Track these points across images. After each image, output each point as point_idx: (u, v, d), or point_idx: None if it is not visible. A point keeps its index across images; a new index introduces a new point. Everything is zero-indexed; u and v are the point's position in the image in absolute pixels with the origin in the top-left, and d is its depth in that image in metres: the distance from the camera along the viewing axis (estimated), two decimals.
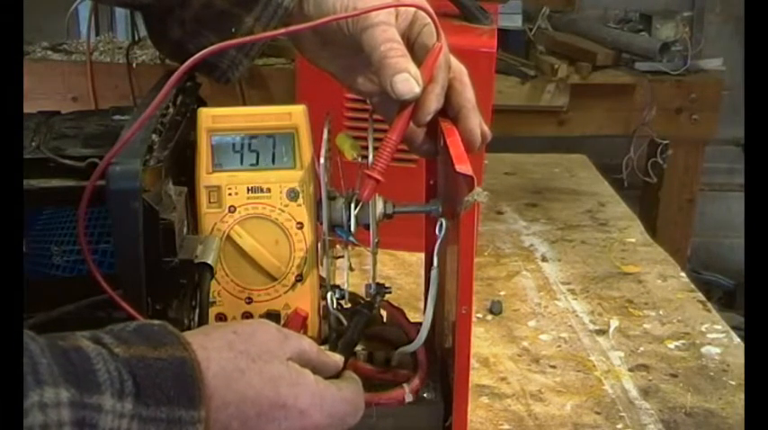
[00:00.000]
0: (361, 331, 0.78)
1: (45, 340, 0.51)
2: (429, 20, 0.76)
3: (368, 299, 0.80)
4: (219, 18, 0.77)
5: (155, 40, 0.82)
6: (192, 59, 0.69)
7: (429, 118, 0.73)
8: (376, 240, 0.75)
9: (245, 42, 0.77)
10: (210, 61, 0.77)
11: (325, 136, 0.76)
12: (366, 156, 0.75)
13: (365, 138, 0.77)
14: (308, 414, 0.61)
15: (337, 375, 0.68)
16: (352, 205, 0.74)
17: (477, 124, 0.76)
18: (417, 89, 0.71)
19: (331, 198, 0.75)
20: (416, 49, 0.75)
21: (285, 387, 0.60)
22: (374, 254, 0.76)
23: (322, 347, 0.69)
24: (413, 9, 0.76)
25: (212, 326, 0.65)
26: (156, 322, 0.59)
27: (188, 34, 0.79)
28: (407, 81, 0.71)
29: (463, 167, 0.64)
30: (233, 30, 0.77)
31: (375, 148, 0.74)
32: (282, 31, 0.77)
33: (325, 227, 0.75)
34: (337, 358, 0.68)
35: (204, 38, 0.78)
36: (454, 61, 0.77)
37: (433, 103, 0.73)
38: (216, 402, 0.57)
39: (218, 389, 0.57)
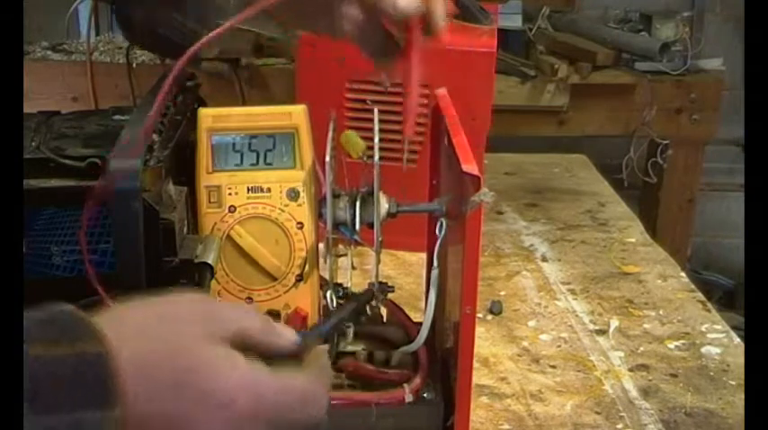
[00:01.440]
0: (352, 315, 0.75)
1: None
2: None
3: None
4: None
5: (122, 25, 0.79)
6: (191, 50, 0.66)
7: (443, 21, 0.69)
8: (380, 239, 0.75)
9: (230, 26, 0.71)
10: (172, 39, 0.74)
11: (330, 134, 0.76)
12: (371, 156, 0.75)
13: (367, 138, 0.77)
14: (233, 405, 0.53)
15: (298, 358, 0.58)
16: (357, 203, 0.73)
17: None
18: (418, 2, 0.67)
19: (335, 196, 0.75)
20: None
21: (203, 375, 0.53)
22: (378, 253, 0.76)
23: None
24: None
25: (128, 308, 0.55)
26: (68, 308, 0.51)
27: (150, 13, 0.75)
28: None
29: (470, 167, 0.64)
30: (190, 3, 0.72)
31: (381, 148, 0.73)
32: (252, 10, 0.72)
33: (329, 225, 0.74)
34: (289, 337, 0.58)
35: (167, 15, 0.74)
36: None
37: (441, 5, 0.69)
38: (130, 397, 0.50)
39: (133, 383, 0.51)
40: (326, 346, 0.62)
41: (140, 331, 0.52)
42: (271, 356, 0.56)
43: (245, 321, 0.56)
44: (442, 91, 0.81)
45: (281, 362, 0.56)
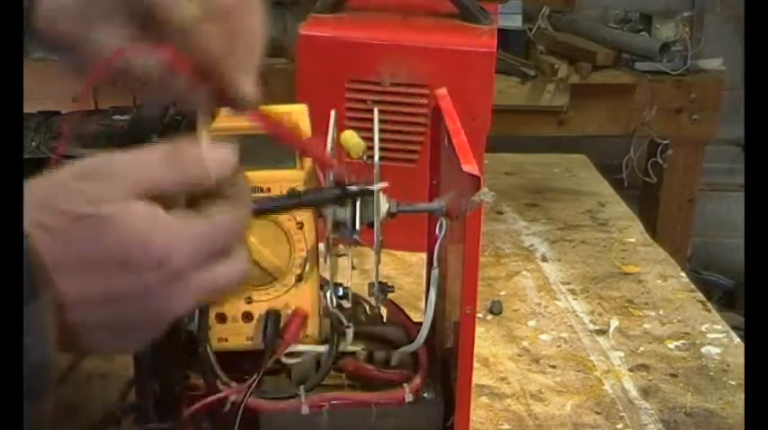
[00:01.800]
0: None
1: None
2: None
3: (370, 297, 0.80)
4: None
5: None
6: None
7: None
8: (380, 239, 0.75)
9: None
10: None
11: (330, 133, 0.76)
12: (371, 156, 0.75)
13: (367, 138, 0.77)
14: (167, 262, 0.50)
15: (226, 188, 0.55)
16: (357, 203, 0.73)
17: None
18: None
19: None
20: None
21: (135, 245, 0.49)
22: (378, 252, 0.76)
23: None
24: None
25: (35, 183, 0.51)
26: None
27: None
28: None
29: (470, 167, 0.64)
30: None
31: (381, 148, 0.73)
32: None
33: (329, 224, 0.74)
34: (213, 161, 0.55)
35: None
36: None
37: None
38: (61, 279, 0.49)
39: (55, 262, 0.49)
40: (238, 167, 0.58)
41: (36, 207, 0.49)
42: (193, 196, 0.53)
43: (152, 172, 0.52)
44: (442, 91, 0.82)
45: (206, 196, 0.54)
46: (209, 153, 0.54)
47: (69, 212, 0.50)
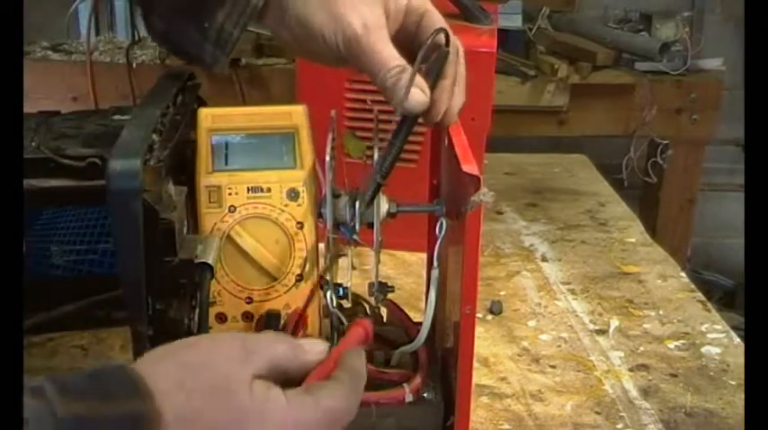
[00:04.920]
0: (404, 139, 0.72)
1: None
2: (424, 7, 0.73)
3: (370, 297, 0.80)
4: (192, 8, 0.75)
5: (147, 28, 0.80)
6: None
7: (440, 117, 0.72)
8: (380, 239, 0.75)
9: None
10: (195, 54, 0.75)
11: (330, 134, 0.76)
12: (371, 156, 0.75)
13: (367, 138, 0.77)
14: None
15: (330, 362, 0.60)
16: (357, 203, 0.73)
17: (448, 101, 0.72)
18: (425, 99, 0.69)
19: (335, 196, 0.75)
20: (416, 42, 0.73)
21: (252, 421, 0.54)
22: (377, 253, 0.76)
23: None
24: (404, 1, 0.73)
25: (159, 359, 0.56)
26: (117, 364, 0.53)
27: (168, 24, 0.76)
28: (414, 97, 0.69)
29: (470, 167, 0.64)
30: (206, 24, 0.74)
31: (380, 149, 0.73)
32: None
33: (329, 225, 0.74)
34: (317, 351, 0.61)
35: (184, 27, 0.75)
36: (452, 40, 0.74)
37: (444, 104, 0.71)
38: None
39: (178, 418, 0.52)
40: (360, 350, 0.63)
41: (175, 385, 0.53)
42: (305, 375, 0.59)
43: (275, 350, 0.58)
44: None
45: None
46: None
47: (198, 392, 0.54)
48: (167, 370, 0.54)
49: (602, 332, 1.18)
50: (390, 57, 0.70)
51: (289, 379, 0.58)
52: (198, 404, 0.53)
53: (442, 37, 0.72)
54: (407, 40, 0.74)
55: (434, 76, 0.71)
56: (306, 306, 0.75)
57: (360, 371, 0.61)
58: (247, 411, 0.54)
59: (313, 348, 0.60)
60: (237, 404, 0.54)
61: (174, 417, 0.52)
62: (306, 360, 0.59)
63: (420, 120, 0.72)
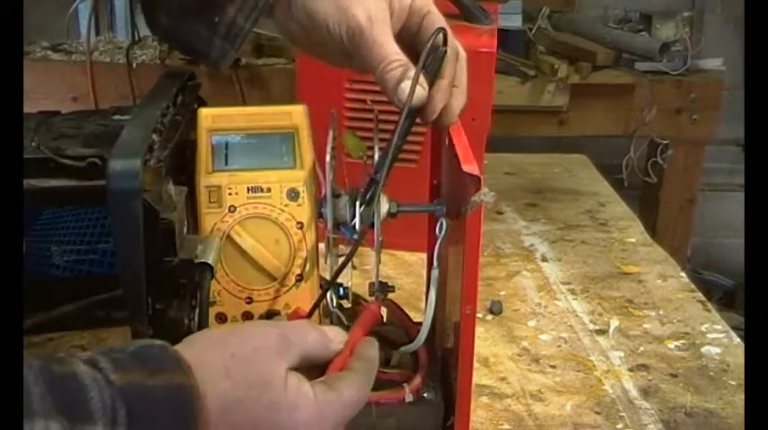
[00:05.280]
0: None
1: (40, 363, 0.50)
2: (427, 8, 0.75)
3: (370, 297, 0.80)
4: (203, 5, 0.76)
5: (149, 24, 0.81)
6: None
7: (436, 116, 0.73)
8: (380, 239, 0.75)
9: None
10: (201, 50, 0.77)
11: (330, 134, 0.76)
12: (371, 156, 0.75)
13: (367, 138, 0.77)
14: None
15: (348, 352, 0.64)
16: (357, 203, 0.73)
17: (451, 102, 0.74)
18: (423, 94, 0.71)
19: (335, 196, 0.75)
20: (418, 43, 0.75)
21: (284, 412, 0.58)
22: (378, 253, 0.76)
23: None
24: (408, 0, 0.75)
25: (208, 347, 0.59)
26: (158, 343, 0.56)
27: (174, 20, 0.78)
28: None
29: (470, 167, 0.64)
30: (216, 19, 0.76)
31: (380, 148, 0.73)
32: None
33: (329, 225, 0.74)
34: (340, 340, 0.64)
35: (191, 23, 0.76)
36: (452, 42, 0.75)
37: (440, 102, 0.73)
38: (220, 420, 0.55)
39: (216, 421, 0.55)
40: (373, 340, 0.66)
41: (222, 373, 0.56)
42: (328, 362, 0.63)
43: (307, 343, 0.61)
44: None
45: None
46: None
47: (242, 382, 0.57)
48: (216, 358, 0.57)
49: (602, 332, 1.18)
50: (391, 51, 0.72)
51: (314, 373, 0.62)
52: (240, 394, 0.56)
53: (441, 37, 0.72)
54: (409, 39, 0.75)
55: (432, 75, 0.72)
56: (313, 309, 0.75)
57: (374, 360, 0.65)
58: (280, 404, 0.57)
59: (336, 337, 0.64)
60: (273, 397, 0.57)
61: (216, 405, 0.55)
62: (331, 349, 0.63)
63: (418, 119, 0.72)
